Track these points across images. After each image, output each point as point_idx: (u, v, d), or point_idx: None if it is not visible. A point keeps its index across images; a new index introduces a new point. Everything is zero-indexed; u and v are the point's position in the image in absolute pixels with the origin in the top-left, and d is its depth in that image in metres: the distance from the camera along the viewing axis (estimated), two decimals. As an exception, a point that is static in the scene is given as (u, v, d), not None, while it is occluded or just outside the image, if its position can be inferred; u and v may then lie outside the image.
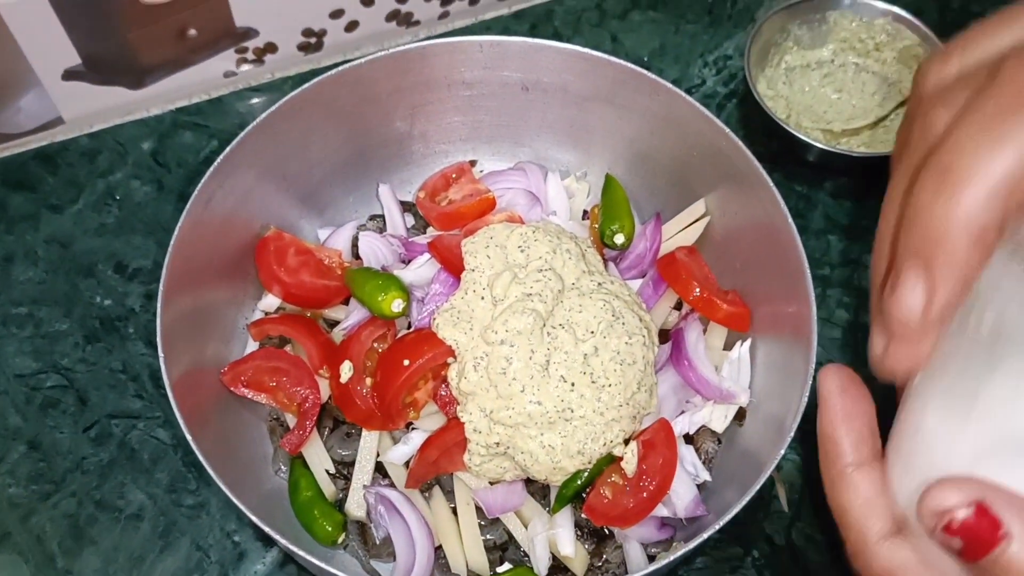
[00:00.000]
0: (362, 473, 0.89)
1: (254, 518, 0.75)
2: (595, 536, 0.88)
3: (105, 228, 1.12)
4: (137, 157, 1.17)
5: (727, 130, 0.92)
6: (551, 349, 0.84)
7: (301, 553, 0.74)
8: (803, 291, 0.85)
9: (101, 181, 1.15)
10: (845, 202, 1.16)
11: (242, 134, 0.92)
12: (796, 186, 1.16)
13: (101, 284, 1.09)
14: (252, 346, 0.97)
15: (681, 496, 0.86)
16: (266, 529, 0.75)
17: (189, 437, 0.78)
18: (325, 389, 0.92)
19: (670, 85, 0.95)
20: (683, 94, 0.94)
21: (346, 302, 0.98)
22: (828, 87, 1.21)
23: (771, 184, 0.89)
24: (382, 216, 1.05)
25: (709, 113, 0.93)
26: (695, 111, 0.94)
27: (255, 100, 1.22)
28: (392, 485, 0.89)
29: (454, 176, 1.05)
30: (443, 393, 0.88)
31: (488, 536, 0.88)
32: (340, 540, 0.88)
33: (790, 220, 0.87)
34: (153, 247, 1.11)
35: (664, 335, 0.96)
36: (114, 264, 1.10)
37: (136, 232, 1.12)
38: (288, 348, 0.95)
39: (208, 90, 1.22)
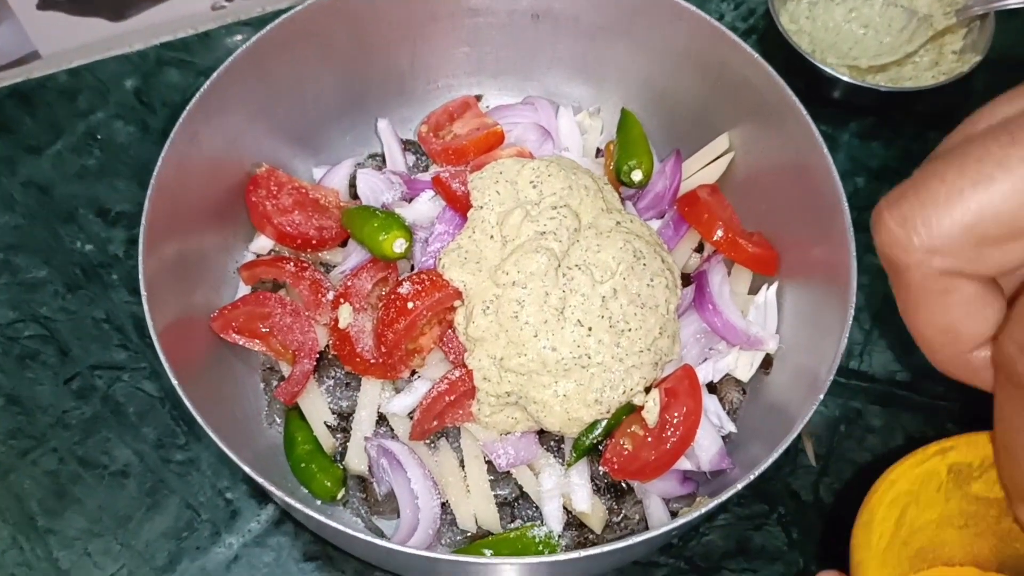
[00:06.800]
0: (362, 425, 0.84)
1: (251, 472, 0.69)
2: (613, 491, 0.83)
3: (86, 171, 1.05)
4: (120, 96, 1.10)
5: (755, 55, 0.85)
6: (567, 292, 0.78)
7: (300, 507, 0.68)
8: (839, 231, 0.79)
9: (81, 121, 1.08)
10: (872, 142, 1.09)
11: (228, 61, 0.85)
12: (820, 125, 1.08)
13: (82, 230, 1.02)
14: (244, 291, 0.90)
15: (705, 448, 0.81)
16: (263, 483, 0.69)
17: (179, 388, 0.72)
18: (323, 335, 0.86)
19: (693, 8, 0.88)
20: (707, 17, 0.87)
21: (344, 244, 0.91)
22: (853, 22, 1.14)
23: (806, 115, 0.83)
24: (381, 155, 0.98)
25: (737, 39, 0.86)
26: (720, 36, 0.87)
27: (245, 35, 1.15)
28: (395, 437, 0.84)
29: (458, 111, 0.98)
30: (449, 339, 0.82)
31: (498, 491, 0.82)
32: (340, 496, 0.82)
33: (826, 152, 0.81)
34: (137, 191, 1.04)
35: (685, 279, 0.89)
36: (96, 208, 1.03)
37: (119, 175, 1.05)
38: (282, 292, 0.89)
39: (195, 24, 1.14)
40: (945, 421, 0.94)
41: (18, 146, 1.06)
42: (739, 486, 0.69)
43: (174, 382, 0.73)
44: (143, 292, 0.77)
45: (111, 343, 0.96)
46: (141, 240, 0.78)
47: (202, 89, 0.83)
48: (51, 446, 0.90)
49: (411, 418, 0.83)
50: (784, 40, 1.06)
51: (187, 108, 0.82)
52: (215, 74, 0.84)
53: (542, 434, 0.83)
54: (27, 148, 1.06)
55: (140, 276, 0.77)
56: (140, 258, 0.77)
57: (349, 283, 0.85)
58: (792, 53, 1.06)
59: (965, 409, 0.95)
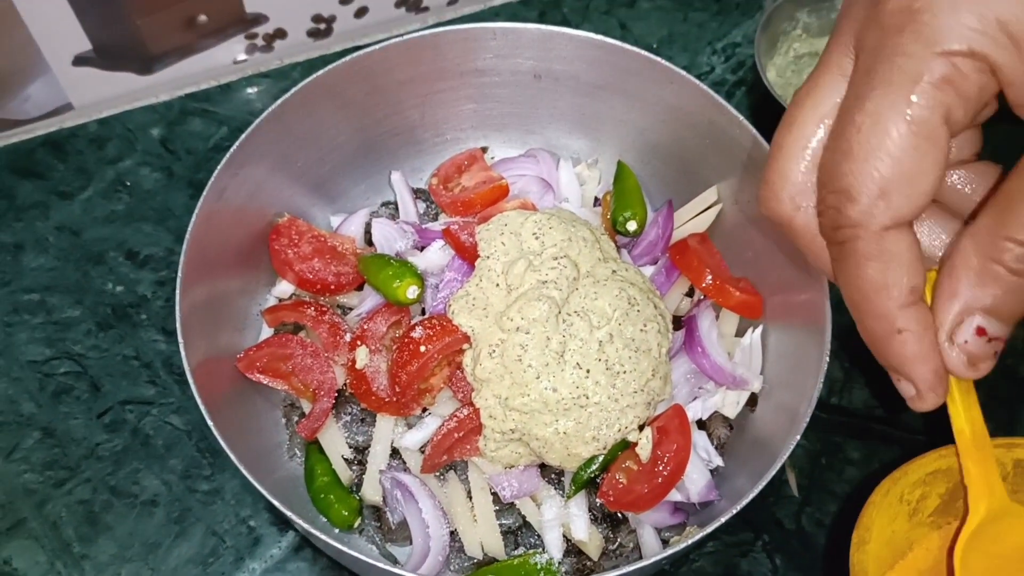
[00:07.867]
0: (377, 458, 0.90)
1: (273, 500, 0.76)
2: (609, 520, 0.89)
3: (115, 215, 1.12)
4: (146, 144, 1.17)
5: (740, 117, 0.92)
6: (566, 336, 0.85)
7: (320, 535, 0.75)
8: (817, 277, 0.86)
9: (110, 168, 1.15)
10: (853, 190, 1.16)
11: (254, 123, 0.92)
12: (804, 174, 1.16)
13: (112, 272, 1.09)
14: (267, 333, 0.97)
15: (695, 481, 0.87)
16: (284, 511, 0.76)
17: (211, 423, 0.79)
18: (340, 375, 0.92)
19: (683, 72, 0.95)
20: (696, 81, 0.94)
21: (360, 288, 0.98)
22: (836, 75, 1.21)
23: (784, 172, 0.89)
24: (394, 203, 1.05)
25: (722, 100, 0.93)
26: (707, 98, 0.94)
27: (264, 87, 1.22)
28: (407, 470, 0.90)
29: (466, 163, 1.05)
30: (458, 379, 0.88)
31: (503, 520, 0.88)
32: (356, 525, 0.89)
33: (803, 208, 0.88)
34: (164, 234, 1.11)
35: (676, 322, 0.96)
36: (125, 252, 1.10)
37: (146, 219, 1.12)
38: (303, 334, 0.95)
39: (217, 76, 1.21)
40: (920, 453, 1.00)
41: (51, 192, 1.13)
42: (722, 519, 0.76)
43: (207, 418, 0.79)
44: (180, 336, 0.83)
45: (140, 379, 1.02)
46: (178, 288, 0.84)
47: (231, 149, 0.90)
48: (85, 476, 0.97)
49: (422, 452, 0.90)
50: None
51: (218, 167, 0.89)
52: (243, 135, 0.91)
53: (544, 468, 0.90)
54: (59, 194, 1.13)
55: (177, 321, 0.83)
56: (177, 305, 0.84)
57: (365, 326, 0.91)
58: (779, 106, 1.13)
59: (941, 441, 1.01)
